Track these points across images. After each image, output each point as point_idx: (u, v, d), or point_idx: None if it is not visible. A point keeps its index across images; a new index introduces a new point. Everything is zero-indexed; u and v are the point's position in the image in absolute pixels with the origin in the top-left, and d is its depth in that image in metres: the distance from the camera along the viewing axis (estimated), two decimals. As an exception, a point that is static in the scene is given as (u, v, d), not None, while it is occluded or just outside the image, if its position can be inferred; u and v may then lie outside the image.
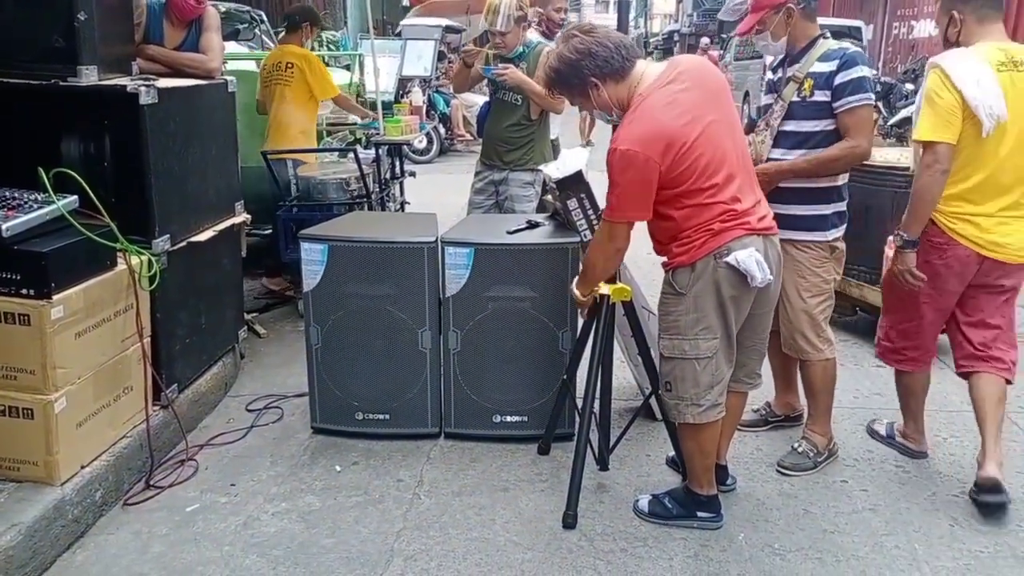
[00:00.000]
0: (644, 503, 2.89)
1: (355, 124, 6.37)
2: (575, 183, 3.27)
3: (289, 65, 5.06)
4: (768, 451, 3.34)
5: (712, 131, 2.45)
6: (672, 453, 3.13)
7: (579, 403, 3.11)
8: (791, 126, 3.06)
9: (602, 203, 2.68)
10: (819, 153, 2.98)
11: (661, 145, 2.38)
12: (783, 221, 2.88)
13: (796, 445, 3.24)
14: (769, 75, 3.34)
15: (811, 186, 3.04)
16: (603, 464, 3.07)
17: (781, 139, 3.08)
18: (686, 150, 2.40)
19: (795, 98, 3.05)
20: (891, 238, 3.03)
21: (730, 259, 2.46)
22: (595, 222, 3.21)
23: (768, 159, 3.08)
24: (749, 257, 2.45)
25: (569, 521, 2.79)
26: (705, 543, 2.72)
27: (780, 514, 2.90)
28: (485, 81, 4.56)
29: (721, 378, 2.63)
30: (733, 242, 2.47)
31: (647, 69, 2.55)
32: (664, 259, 2.63)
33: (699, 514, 2.80)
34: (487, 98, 4.77)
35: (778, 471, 3.17)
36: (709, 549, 2.69)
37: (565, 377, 3.10)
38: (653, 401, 3.52)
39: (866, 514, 2.91)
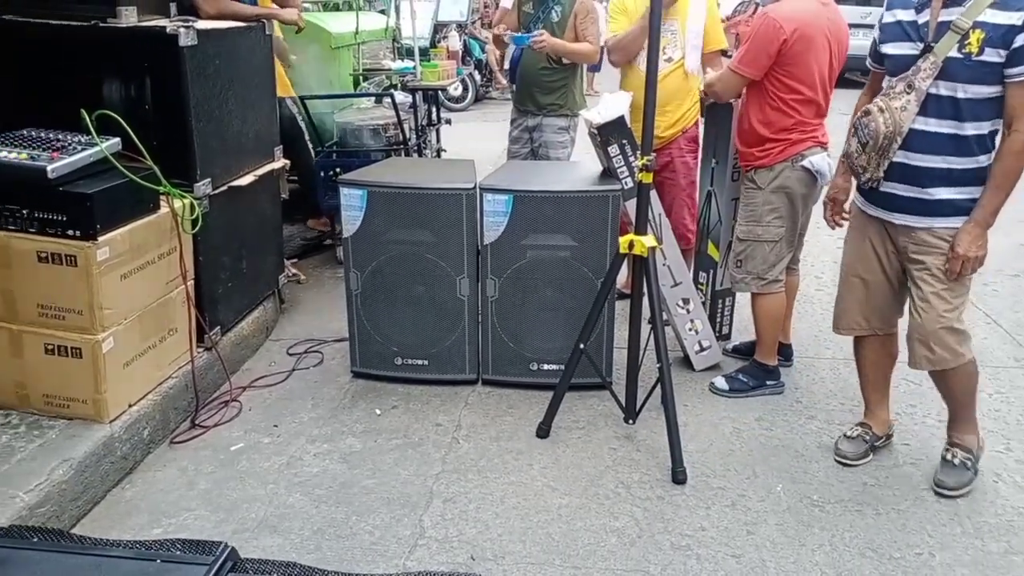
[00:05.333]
0: (722, 382, 3.39)
1: (391, 70, 6.30)
2: (617, 129, 3.22)
3: None
4: (807, 403, 3.31)
5: (824, 57, 3.08)
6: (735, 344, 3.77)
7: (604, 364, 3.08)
8: (945, 89, 2.46)
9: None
10: (1001, 170, 2.46)
11: (795, 26, 2.99)
12: (922, 207, 2.57)
13: (950, 456, 2.77)
14: (901, 14, 2.58)
15: (962, 167, 2.52)
16: (631, 416, 3.04)
17: (930, 105, 2.49)
18: (807, 46, 3.02)
19: (955, 53, 2.42)
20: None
21: (805, 163, 3.13)
22: (636, 169, 3.16)
23: (910, 130, 2.52)
24: (822, 160, 3.14)
25: (680, 477, 2.76)
26: (743, 493, 2.72)
27: (819, 466, 2.88)
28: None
29: (782, 258, 3.24)
30: (806, 151, 3.12)
31: None
32: (746, 162, 3.26)
33: (768, 382, 3.37)
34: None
35: (937, 492, 2.73)
36: (747, 499, 2.69)
37: (582, 346, 2.99)
38: (692, 353, 3.53)
39: (907, 468, 2.88)
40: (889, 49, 2.61)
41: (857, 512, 2.64)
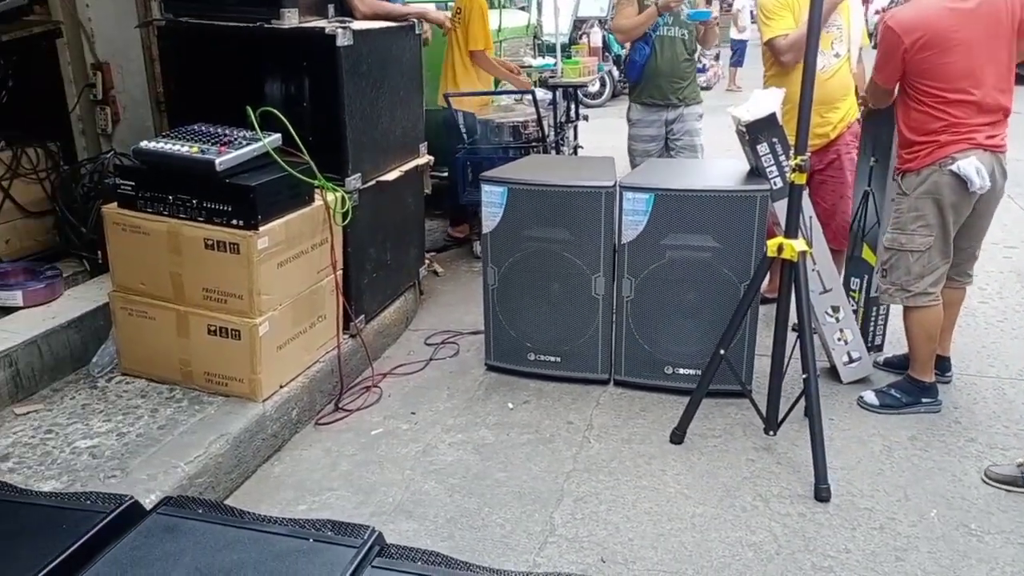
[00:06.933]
0: (872, 397, 3.17)
1: (531, 67, 6.33)
2: (767, 126, 3.10)
3: (459, 9, 4.80)
4: (967, 423, 3.08)
5: (972, 51, 2.79)
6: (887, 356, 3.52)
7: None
8: None
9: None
10: None
11: (915, 34, 2.81)
12: None
13: None
14: None
15: None
16: (772, 427, 2.92)
17: None
18: (938, 50, 2.78)
19: None
20: None
21: (954, 167, 2.83)
22: (787, 170, 3.03)
23: None
24: (969, 165, 2.81)
25: (824, 495, 2.63)
26: (892, 516, 2.55)
27: (979, 493, 2.67)
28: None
29: (933, 270, 2.98)
30: (957, 154, 2.83)
31: None
32: (897, 166, 3.05)
33: (923, 400, 3.13)
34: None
35: None
36: (897, 523, 2.52)
37: (723, 352, 2.89)
38: (840, 364, 3.36)
39: (1084, 503, 2.62)
40: None
41: (1020, 545, 2.42)
